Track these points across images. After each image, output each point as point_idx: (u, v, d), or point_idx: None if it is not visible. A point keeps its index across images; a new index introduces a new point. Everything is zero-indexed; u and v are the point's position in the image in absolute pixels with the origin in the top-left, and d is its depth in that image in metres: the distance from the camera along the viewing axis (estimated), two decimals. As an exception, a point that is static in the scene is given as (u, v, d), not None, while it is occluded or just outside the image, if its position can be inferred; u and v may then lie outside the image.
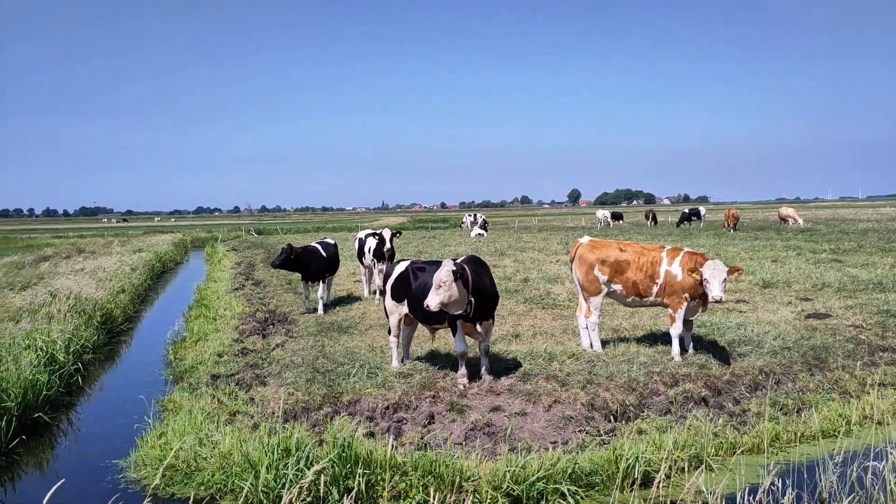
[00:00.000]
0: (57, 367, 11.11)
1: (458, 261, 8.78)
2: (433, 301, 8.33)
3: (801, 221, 46.04)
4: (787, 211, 48.26)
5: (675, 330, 10.24)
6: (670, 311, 10.28)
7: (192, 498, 6.65)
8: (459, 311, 8.64)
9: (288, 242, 16.10)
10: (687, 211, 56.09)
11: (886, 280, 17.34)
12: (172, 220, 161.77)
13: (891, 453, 5.39)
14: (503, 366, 9.91)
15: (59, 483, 3.57)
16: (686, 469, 5.88)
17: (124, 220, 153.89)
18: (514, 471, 6.36)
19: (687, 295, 10.08)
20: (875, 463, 5.90)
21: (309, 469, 6.35)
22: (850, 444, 7.73)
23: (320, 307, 15.58)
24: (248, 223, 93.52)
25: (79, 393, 11.52)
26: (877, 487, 5.58)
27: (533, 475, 6.40)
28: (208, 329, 14.45)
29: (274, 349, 11.94)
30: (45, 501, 3.30)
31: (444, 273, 8.36)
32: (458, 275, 8.43)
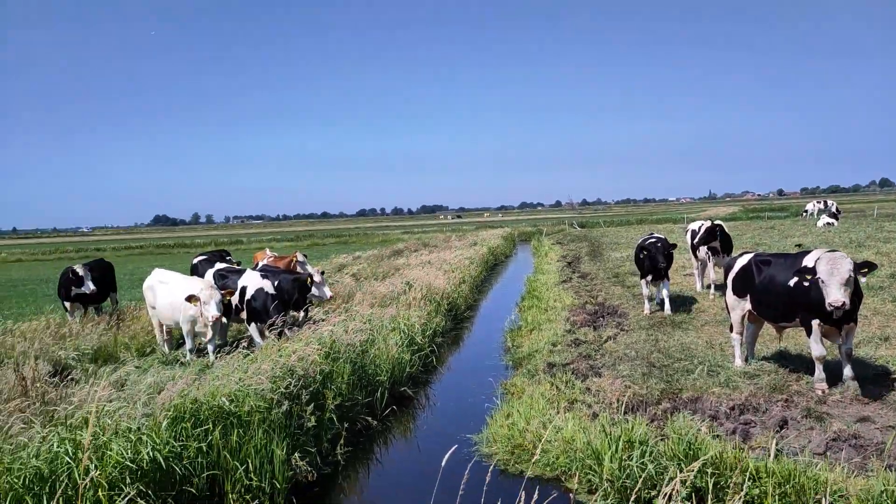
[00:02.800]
0: (416, 348, 12.59)
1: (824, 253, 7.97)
2: (841, 297, 7.62)
3: None
4: None
5: None
6: None
7: (539, 476, 7.19)
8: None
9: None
10: None
11: None
12: (500, 215, 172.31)
13: None
14: (871, 372, 8.81)
15: (453, 449, 4.08)
16: None
17: (458, 217, 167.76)
18: (893, 491, 5.63)
19: None
20: None
21: (652, 463, 6.40)
22: None
23: (667, 305, 14.25)
24: (570, 216, 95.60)
25: (433, 372, 12.94)
26: None
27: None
28: (541, 319, 15.13)
29: (606, 341, 12.10)
30: (444, 462, 3.82)
31: (848, 266, 7.65)
32: (859, 268, 7.69)
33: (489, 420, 8.96)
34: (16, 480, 5.26)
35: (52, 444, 5.62)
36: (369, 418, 9.55)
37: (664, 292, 14.30)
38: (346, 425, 8.78)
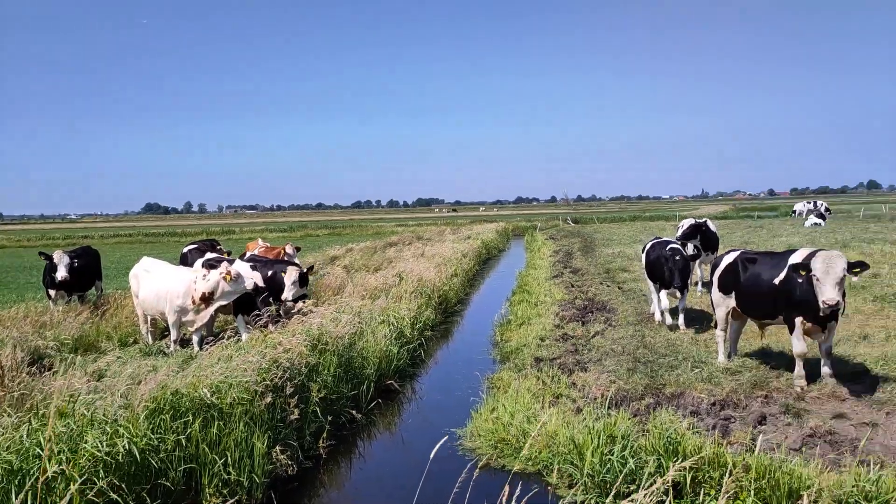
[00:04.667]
0: (404, 341, 12.58)
1: (815, 251, 7.98)
2: (835, 296, 7.62)
3: None
4: None
5: None
6: None
7: (522, 471, 7.20)
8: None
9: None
10: None
11: None
12: (495, 209, 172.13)
13: None
14: (848, 369, 8.87)
15: (443, 440, 4.09)
16: None
17: (454, 210, 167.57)
18: (864, 486, 5.68)
19: None
20: None
21: (633, 458, 6.43)
22: None
23: (681, 319, 12.52)
24: (565, 212, 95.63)
25: (421, 365, 12.92)
26: None
27: (889, 495, 5.66)
28: (530, 314, 15.15)
29: (593, 336, 12.13)
30: (432, 455, 3.83)
31: (843, 265, 7.67)
32: (852, 267, 7.75)
33: (474, 414, 8.97)
34: (-16, 474, 5.18)
35: (22, 435, 5.55)
36: (354, 411, 9.54)
37: (682, 304, 12.55)
38: (329, 418, 8.76)
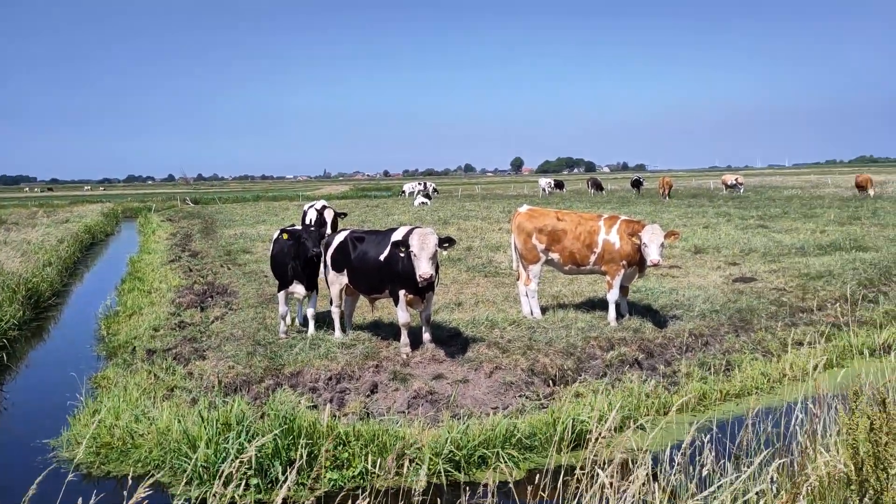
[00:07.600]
0: (-21, 344, 10.68)
1: (412, 229, 8.65)
2: (430, 270, 8.21)
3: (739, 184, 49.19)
4: (732, 178, 51.03)
5: (613, 296, 10.49)
6: (608, 277, 10.51)
7: (128, 475, 6.59)
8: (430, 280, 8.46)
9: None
10: (636, 178, 58.15)
11: (808, 245, 18.17)
12: (102, 189, 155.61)
13: (802, 409, 5.64)
14: (445, 334, 9.99)
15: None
16: (620, 429, 6.10)
17: (49, 190, 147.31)
18: (456, 437, 6.46)
19: (624, 262, 10.33)
20: (791, 418, 6.15)
21: (250, 443, 6.33)
22: (770, 400, 8.16)
23: (311, 326, 10.44)
24: (184, 192, 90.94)
25: (4, 371, 11.13)
26: (788, 440, 5.83)
27: (474, 440, 6.52)
28: (143, 302, 14.10)
29: (213, 322, 11.72)
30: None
31: (435, 241, 8.31)
32: (442, 242, 8.47)
33: (71, 420, 7.97)
34: None
35: None
36: None
37: (311, 310, 10.50)
38: None
